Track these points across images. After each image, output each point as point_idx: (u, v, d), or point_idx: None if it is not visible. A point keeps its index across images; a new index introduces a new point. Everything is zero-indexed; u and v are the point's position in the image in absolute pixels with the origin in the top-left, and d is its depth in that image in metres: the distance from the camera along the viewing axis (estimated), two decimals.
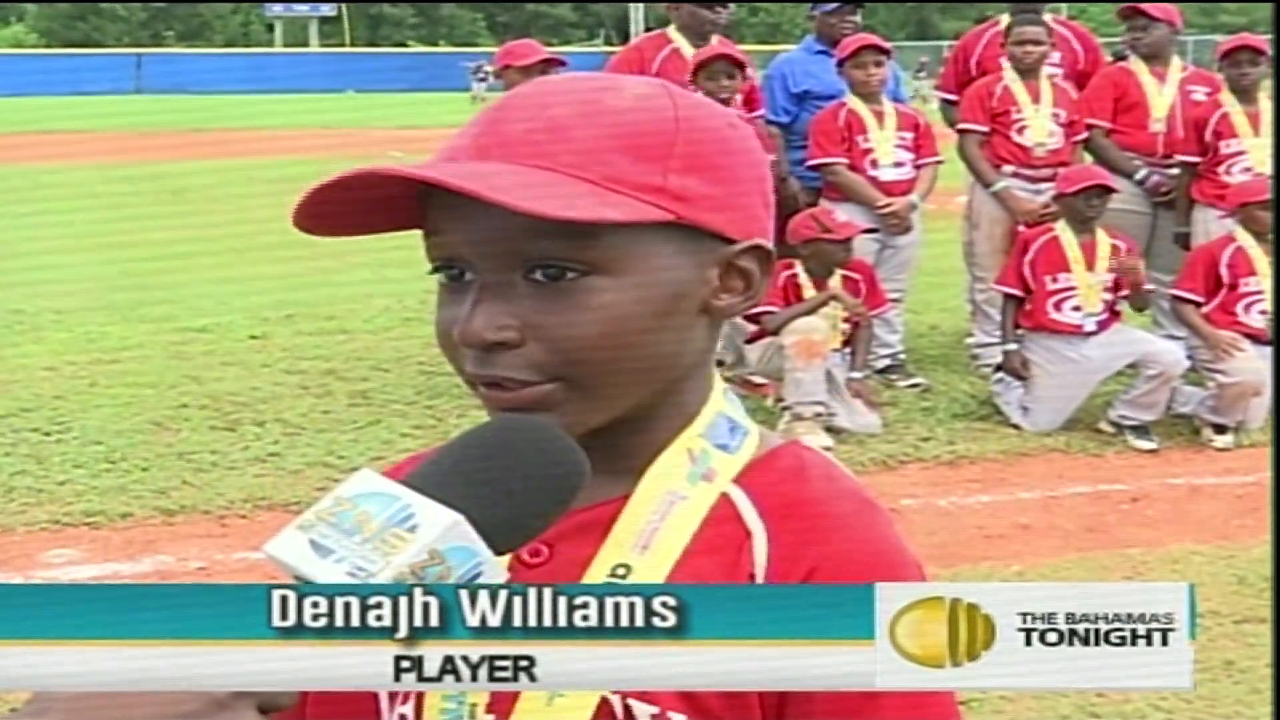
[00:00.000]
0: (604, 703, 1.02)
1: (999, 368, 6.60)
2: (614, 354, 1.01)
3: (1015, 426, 6.41)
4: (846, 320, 6.44)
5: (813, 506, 1.07)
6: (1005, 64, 7.24)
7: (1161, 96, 7.26)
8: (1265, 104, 7.07)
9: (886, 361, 7.17)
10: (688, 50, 6.77)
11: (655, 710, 1.02)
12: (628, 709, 1.02)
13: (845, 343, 6.47)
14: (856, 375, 6.45)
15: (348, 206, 1.03)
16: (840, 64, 7.13)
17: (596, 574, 1.04)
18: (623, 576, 1.04)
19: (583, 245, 0.99)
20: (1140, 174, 7.22)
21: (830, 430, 6.09)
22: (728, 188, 1.05)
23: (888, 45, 7.34)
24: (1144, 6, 7.30)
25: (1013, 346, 6.51)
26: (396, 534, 0.92)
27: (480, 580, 0.94)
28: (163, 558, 4.84)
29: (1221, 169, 6.99)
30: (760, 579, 1.03)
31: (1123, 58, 7.73)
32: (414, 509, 0.93)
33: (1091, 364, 6.37)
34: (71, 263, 10.68)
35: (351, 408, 6.58)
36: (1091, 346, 6.36)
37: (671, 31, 6.93)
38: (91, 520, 5.14)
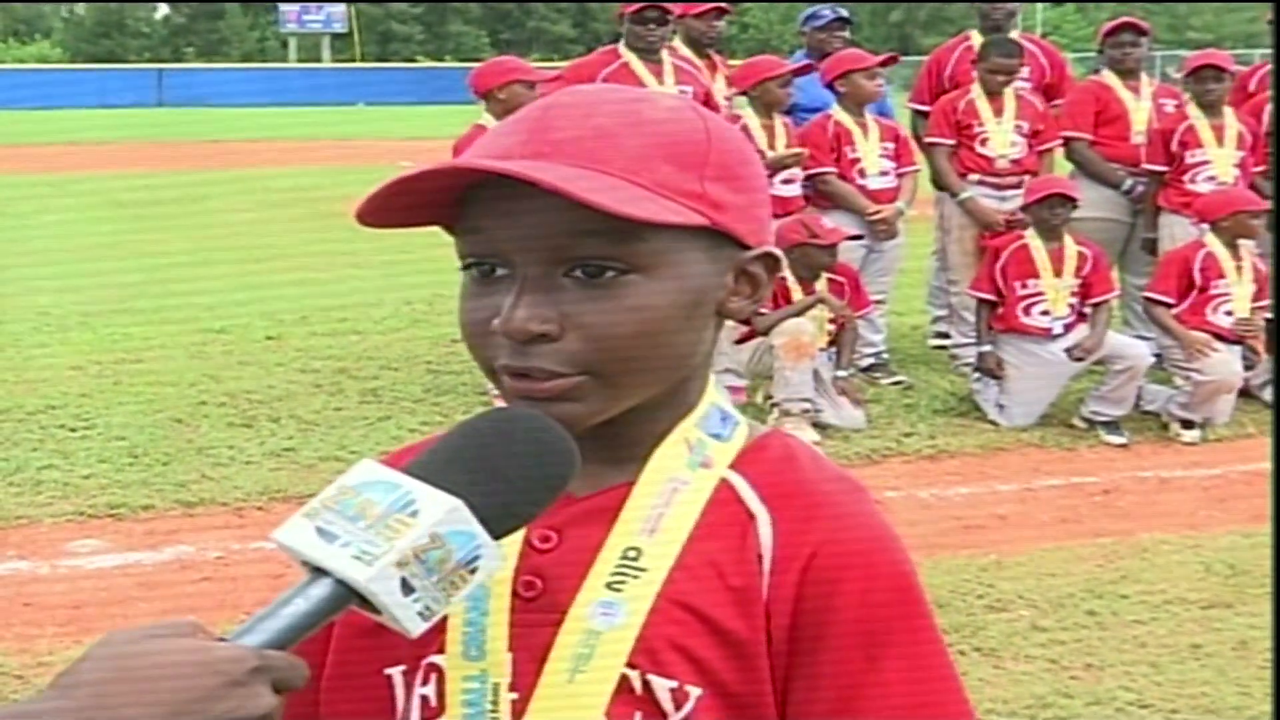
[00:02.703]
0: (624, 678, 1.02)
1: (976, 367, 6.62)
2: (644, 349, 1.02)
3: (992, 422, 6.42)
4: (832, 321, 6.45)
5: (810, 490, 1.08)
6: (974, 80, 7.25)
7: (1139, 110, 7.30)
8: (1229, 116, 7.09)
9: (870, 360, 7.18)
10: (636, 65, 6.71)
11: (674, 684, 1.02)
12: (646, 683, 1.02)
13: (831, 343, 6.48)
14: (842, 373, 6.46)
15: (405, 203, 1.04)
16: (834, 79, 7.15)
17: (609, 557, 1.05)
18: (634, 559, 1.04)
19: (625, 245, 1.00)
20: (1126, 184, 7.26)
21: (817, 426, 6.10)
22: (748, 196, 1.06)
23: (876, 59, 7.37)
24: (1137, 22, 7.36)
25: (987, 348, 6.54)
26: (399, 519, 0.92)
27: (479, 562, 0.94)
28: (183, 548, 4.84)
29: (1187, 178, 7.02)
30: (767, 559, 1.04)
31: (1096, 71, 7.75)
32: (415, 495, 0.93)
33: (1062, 362, 6.38)
34: (97, 268, 10.68)
35: (362, 405, 6.58)
36: (1060, 346, 6.38)
37: (621, 47, 6.91)
38: (115, 512, 5.14)
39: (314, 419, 6.31)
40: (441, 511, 0.92)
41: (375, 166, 17.07)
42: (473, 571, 0.94)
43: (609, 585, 1.04)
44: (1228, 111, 7.11)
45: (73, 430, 6.12)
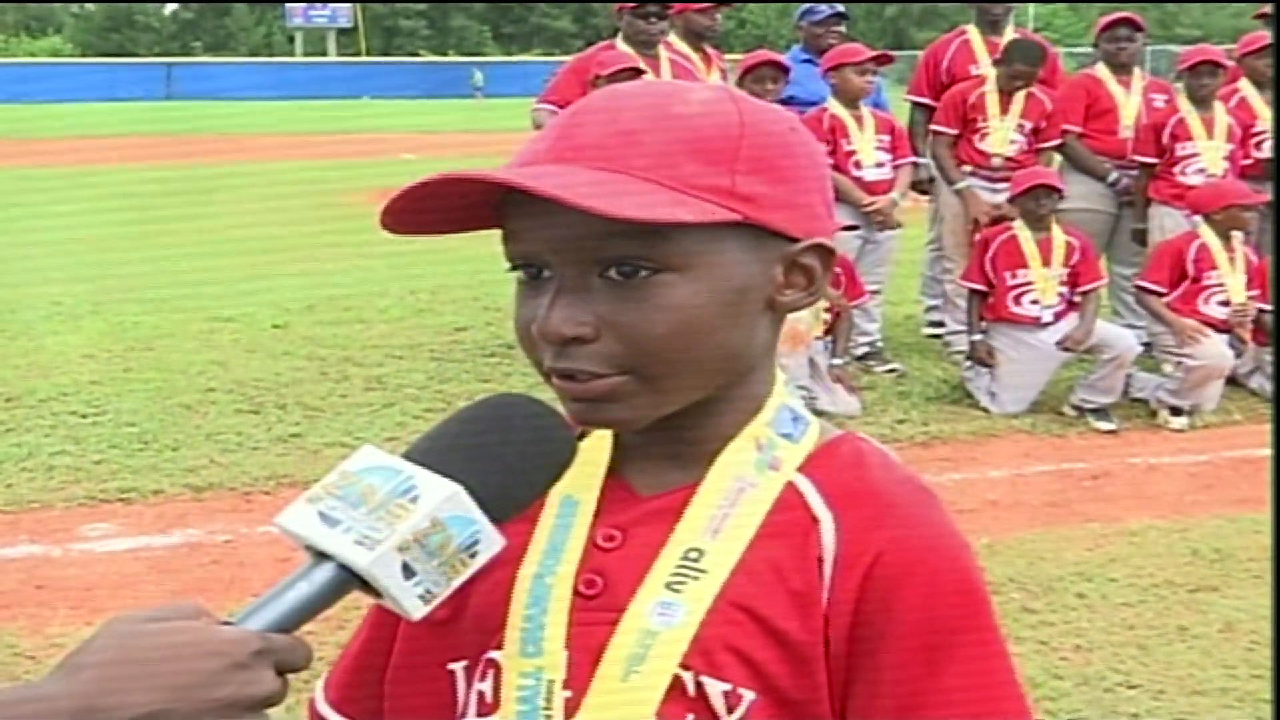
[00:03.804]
0: (677, 679, 1.00)
1: (968, 355, 6.62)
2: (683, 348, 1.00)
3: (984, 409, 6.42)
4: (828, 310, 6.45)
5: (876, 494, 1.05)
6: (989, 77, 7.25)
7: (1129, 104, 7.30)
8: (1219, 110, 7.09)
9: (865, 349, 7.18)
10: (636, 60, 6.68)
11: (727, 687, 1.00)
12: (700, 685, 1.00)
13: (827, 331, 6.48)
14: (837, 362, 6.46)
15: (431, 209, 1.02)
16: (828, 71, 7.15)
17: (670, 556, 1.03)
18: (695, 560, 1.02)
19: (655, 245, 0.97)
20: (1112, 176, 7.26)
21: (812, 413, 6.09)
22: (790, 187, 1.03)
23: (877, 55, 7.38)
24: (1134, 17, 7.35)
25: (978, 336, 6.53)
26: (400, 504, 0.92)
27: (478, 547, 0.94)
28: (192, 531, 4.84)
29: (1177, 170, 7.02)
30: (829, 562, 1.02)
31: (1093, 64, 7.74)
32: (415, 481, 0.93)
33: (1051, 350, 6.38)
34: (107, 258, 10.67)
35: (368, 392, 6.57)
36: (1050, 334, 6.38)
37: (619, 41, 6.89)
38: (125, 496, 5.14)
39: (320, 406, 6.30)
40: (441, 497, 0.92)
41: (380, 159, 17.10)
42: (473, 555, 0.93)
43: (669, 586, 1.02)
44: (1218, 105, 7.11)
45: (84, 416, 6.11)
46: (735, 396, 1.06)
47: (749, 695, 1.00)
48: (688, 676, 1.00)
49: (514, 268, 1.04)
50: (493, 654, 1.05)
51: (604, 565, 1.05)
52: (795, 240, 1.03)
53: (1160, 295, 6.51)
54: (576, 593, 1.04)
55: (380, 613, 1.14)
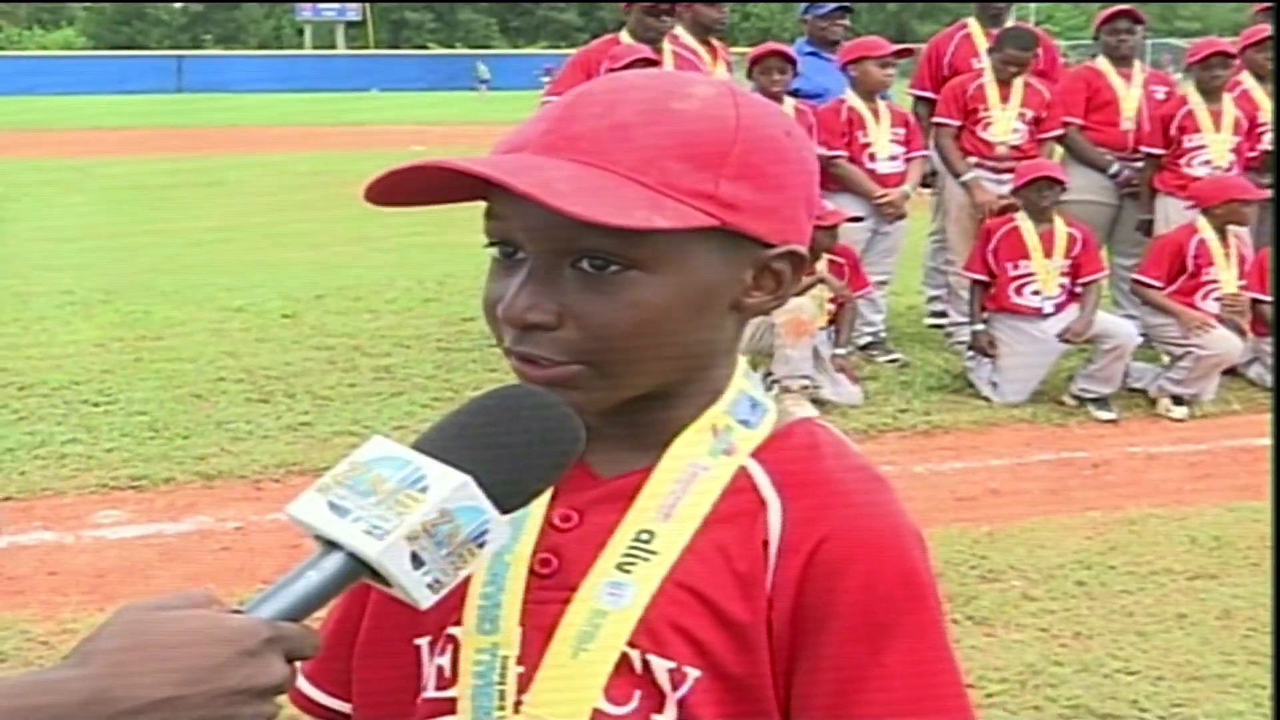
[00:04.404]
0: (624, 657, 1.01)
1: (970, 345, 6.61)
2: (643, 344, 1.00)
3: (985, 399, 6.41)
4: (832, 301, 6.44)
5: (824, 481, 1.06)
6: (986, 67, 7.24)
7: (1130, 96, 7.28)
8: (1227, 102, 7.06)
9: (868, 339, 7.18)
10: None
11: (672, 665, 1.01)
12: (646, 663, 1.01)
13: (830, 321, 6.47)
14: (840, 351, 6.46)
15: (416, 186, 1.02)
16: (848, 64, 7.18)
17: (622, 538, 1.04)
18: (646, 542, 1.03)
19: (628, 243, 0.97)
20: (1114, 168, 7.25)
21: (816, 402, 6.08)
22: (775, 195, 1.02)
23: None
24: (1135, 10, 7.33)
25: (980, 326, 6.52)
26: (409, 495, 0.91)
27: (486, 537, 0.94)
28: (202, 518, 4.84)
29: (1184, 161, 7.00)
30: (774, 546, 1.02)
31: (1093, 57, 7.73)
32: (424, 471, 0.92)
33: (1052, 340, 6.37)
34: (119, 248, 10.68)
35: (376, 381, 6.57)
36: (1051, 325, 6.37)
37: (624, 35, 6.85)
38: (137, 484, 5.14)
39: (329, 395, 6.30)
40: (450, 487, 0.92)
41: (388, 150, 17.10)
42: (481, 545, 0.93)
43: (619, 566, 1.03)
44: (1226, 97, 7.08)
45: (96, 405, 6.12)
46: (694, 386, 1.07)
47: (693, 673, 1.01)
48: (634, 654, 1.01)
49: (490, 244, 1.04)
50: (452, 630, 1.06)
51: (559, 545, 1.06)
52: (770, 246, 1.03)
53: (1158, 290, 6.50)
54: (532, 571, 1.05)
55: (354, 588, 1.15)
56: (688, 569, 1.02)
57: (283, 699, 1.18)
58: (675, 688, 1.01)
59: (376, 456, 0.94)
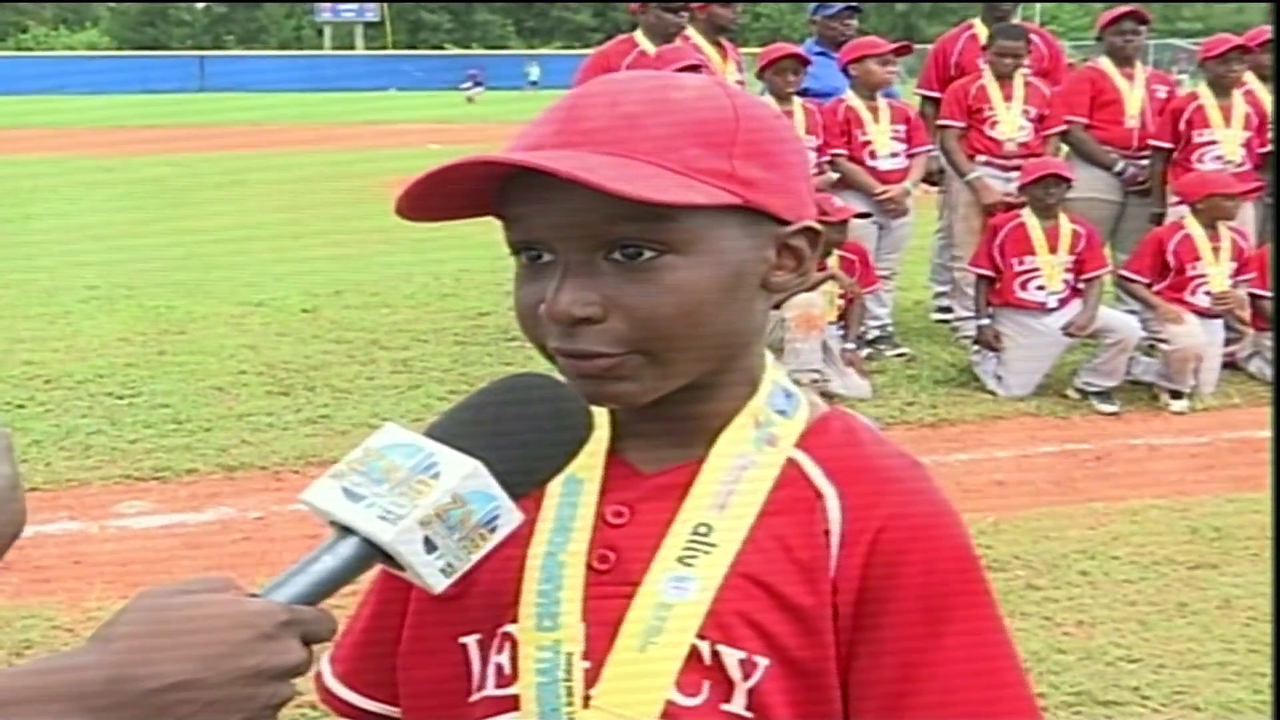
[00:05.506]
0: (693, 649, 1.01)
1: (975, 339, 6.60)
2: (688, 326, 1.00)
3: (991, 392, 6.40)
4: (841, 296, 6.44)
5: (875, 469, 1.07)
6: (984, 66, 7.24)
7: (1133, 95, 7.26)
8: (1237, 98, 7.03)
9: (876, 333, 7.17)
10: (652, 52, 6.57)
11: (743, 655, 1.01)
12: (716, 654, 1.01)
13: (840, 316, 6.47)
14: (849, 346, 6.46)
15: (440, 195, 1.02)
16: (849, 63, 7.16)
17: (680, 531, 1.04)
18: (705, 535, 1.03)
19: (660, 227, 0.97)
20: (1119, 166, 7.23)
21: (825, 395, 6.07)
22: (782, 173, 1.03)
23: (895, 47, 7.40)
24: (1139, 10, 7.31)
25: (985, 321, 6.52)
26: (422, 480, 0.92)
27: (498, 521, 0.94)
28: (224, 509, 4.86)
29: (1194, 157, 6.98)
30: (835, 535, 1.03)
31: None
32: (436, 458, 0.93)
33: (1056, 335, 6.36)
34: (142, 244, 10.70)
35: (394, 374, 6.58)
36: (1055, 319, 6.36)
37: (638, 35, 6.82)
38: (160, 475, 5.16)
39: (347, 388, 6.31)
40: (462, 473, 0.92)
41: (406, 149, 17.11)
42: (492, 530, 0.93)
43: (680, 560, 1.03)
44: (1236, 93, 7.05)
45: (120, 398, 6.14)
46: (732, 375, 1.07)
47: (763, 662, 1.01)
48: (704, 646, 1.01)
49: (515, 252, 1.04)
50: (509, 628, 1.06)
51: (615, 541, 1.05)
52: (787, 223, 1.04)
53: (1140, 284, 6.50)
54: (589, 568, 1.05)
55: (385, 588, 1.15)
56: (749, 560, 1.03)
57: (314, 697, 1.19)
58: (746, 677, 1.01)
59: (390, 443, 0.94)
